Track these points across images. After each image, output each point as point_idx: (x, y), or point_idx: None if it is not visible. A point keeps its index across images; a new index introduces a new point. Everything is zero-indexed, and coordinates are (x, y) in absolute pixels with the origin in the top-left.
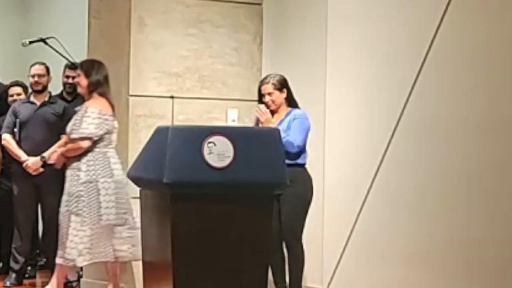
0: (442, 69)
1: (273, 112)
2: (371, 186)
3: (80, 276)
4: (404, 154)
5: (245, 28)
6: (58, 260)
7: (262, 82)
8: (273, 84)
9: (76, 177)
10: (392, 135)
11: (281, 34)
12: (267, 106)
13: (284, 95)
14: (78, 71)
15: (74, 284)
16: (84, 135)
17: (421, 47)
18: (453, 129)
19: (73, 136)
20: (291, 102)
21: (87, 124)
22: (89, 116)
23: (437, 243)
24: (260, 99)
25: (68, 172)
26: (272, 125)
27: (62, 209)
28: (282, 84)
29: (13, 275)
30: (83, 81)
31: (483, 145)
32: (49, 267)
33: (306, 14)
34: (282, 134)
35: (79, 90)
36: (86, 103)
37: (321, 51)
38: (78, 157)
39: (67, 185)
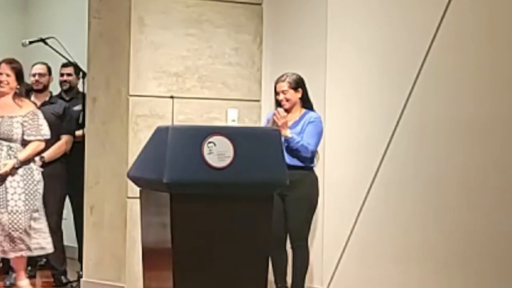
0: (443, 68)
1: (286, 111)
2: (371, 186)
3: (80, 276)
4: (405, 154)
5: (245, 28)
6: (21, 253)
7: (278, 80)
8: (288, 82)
9: (31, 175)
10: (392, 135)
11: (281, 34)
12: (280, 105)
13: (299, 94)
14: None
15: (74, 284)
16: (46, 136)
17: (422, 46)
18: (455, 129)
19: (38, 137)
20: (306, 103)
21: (45, 126)
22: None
23: (438, 244)
24: (275, 96)
25: (20, 171)
26: (286, 132)
27: (21, 208)
28: (298, 84)
29: (13, 275)
30: (14, 82)
31: (485, 145)
32: (49, 267)
33: (306, 14)
34: (297, 139)
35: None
36: (33, 107)
37: (321, 51)
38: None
39: (21, 184)
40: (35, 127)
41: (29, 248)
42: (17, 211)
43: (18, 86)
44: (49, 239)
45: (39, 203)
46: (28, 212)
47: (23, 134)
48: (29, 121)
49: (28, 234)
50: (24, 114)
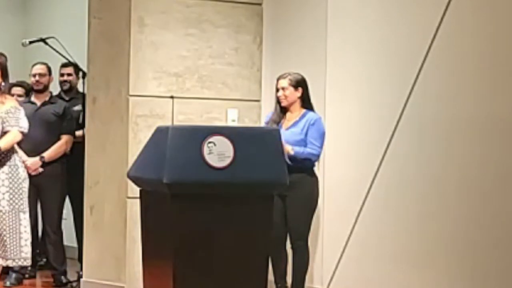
0: (443, 68)
1: (285, 109)
2: (371, 186)
3: (80, 276)
4: (405, 154)
5: (245, 28)
6: (11, 263)
7: (279, 77)
8: (289, 80)
9: (16, 173)
10: (392, 135)
11: (281, 34)
12: (279, 101)
13: (298, 93)
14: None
15: (74, 284)
16: (24, 129)
17: (422, 46)
18: (454, 128)
19: (16, 128)
20: (306, 103)
21: (24, 120)
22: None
23: (438, 244)
24: (275, 93)
25: (6, 169)
26: (288, 148)
27: (6, 208)
28: (298, 83)
29: (13, 275)
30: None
31: (485, 145)
32: (49, 267)
33: (306, 14)
34: (300, 150)
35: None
36: (16, 103)
37: (321, 51)
38: (12, 153)
39: (6, 182)
40: (15, 119)
41: (19, 257)
42: (0, 211)
43: (3, 83)
44: (30, 249)
45: (25, 203)
46: (13, 211)
47: (3, 129)
48: (10, 114)
49: (18, 240)
50: (6, 110)
